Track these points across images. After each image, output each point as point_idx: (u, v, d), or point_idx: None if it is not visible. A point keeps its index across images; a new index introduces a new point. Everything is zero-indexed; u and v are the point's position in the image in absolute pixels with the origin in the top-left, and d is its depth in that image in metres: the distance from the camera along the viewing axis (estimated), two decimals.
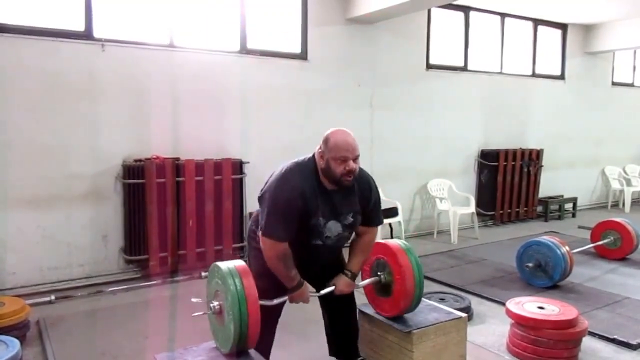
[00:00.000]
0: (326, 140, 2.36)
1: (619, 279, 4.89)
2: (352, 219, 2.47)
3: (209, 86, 5.09)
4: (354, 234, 2.62)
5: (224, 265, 2.18)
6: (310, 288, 2.54)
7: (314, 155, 2.42)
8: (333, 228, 2.43)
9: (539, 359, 3.06)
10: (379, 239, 2.73)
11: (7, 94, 4.22)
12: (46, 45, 4.33)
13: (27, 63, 4.27)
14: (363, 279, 2.77)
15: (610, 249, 5.49)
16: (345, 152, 2.30)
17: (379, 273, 2.70)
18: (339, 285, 2.55)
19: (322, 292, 2.56)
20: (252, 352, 2.22)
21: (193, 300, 2.33)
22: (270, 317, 2.50)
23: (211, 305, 2.23)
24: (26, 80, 4.28)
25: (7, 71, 4.20)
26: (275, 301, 2.39)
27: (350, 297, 2.73)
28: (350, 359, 2.81)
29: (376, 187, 2.59)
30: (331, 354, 2.87)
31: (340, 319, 2.77)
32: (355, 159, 2.34)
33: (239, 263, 2.21)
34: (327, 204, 2.38)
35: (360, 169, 2.47)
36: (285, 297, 2.44)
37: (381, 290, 2.72)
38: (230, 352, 2.16)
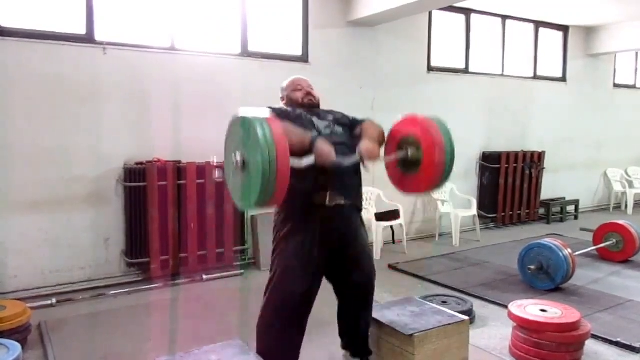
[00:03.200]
0: (282, 87, 2.78)
1: (622, 281, 4.87)
2: (331, 119, 2.64)
3: (211, 89, 5.09)
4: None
5: (251, 114, 2.05)
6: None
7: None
8: (319, 122, 2.57)
9: None
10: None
11: (8, 97, 4.23)
12: (48, 48, 4.34)
13: (29, 66, 4.28)
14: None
15: (613, 252, 5.47)
16: (299, 82, 2.73)
17: (407, 147, 2.52)
18: (362, 147, 2.42)
19: (348, 161, 2.37)
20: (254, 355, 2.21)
21: (215, 175, 2.21)
22: (300, 310, 2.47)
23: (234, 158, 2.07)
24: (28, 84, 4.29)
25: (8, 74, 4.21)
26: (305, 161, 2.21)
27: (368, 288, 2.68)
28: (359, 354, 2.78)
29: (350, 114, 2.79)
30: (343, 346, 2.84)
31: (351, 310, 2.72)
32: (310, 88, 2.70)
33: (267, 113, 2.11)
34: (310, 125, 2.54)
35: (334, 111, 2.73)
36: (312, 157, 2.26)
37: (408, 166, 2.53)
38: (256, 205, 2.00)
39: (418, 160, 2.47)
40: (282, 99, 2.77)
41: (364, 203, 5.69)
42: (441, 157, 2.40)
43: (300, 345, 2.54)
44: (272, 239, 2.62)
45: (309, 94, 2.70)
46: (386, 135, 2.68)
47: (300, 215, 2.47)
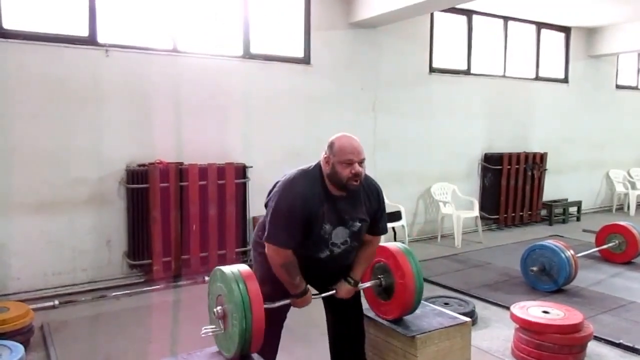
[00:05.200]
0: (331, 145, 2.35)
1: (624, 283, 4.86)
2: (359, 224, 2.45)
3: (213, 91, 5.10)
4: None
5: (228, 269, 2.17)
6: (313, 290, 2.55)
7: (319, 163, 2.42)
8: (340, 234, 2.41)
9: None
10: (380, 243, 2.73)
11: (11, 99, 4.24)
12: (50, 50, 4.35)
13: (32, 68, 4.30)
14: (363, 283, 2.77)
15: (615, 253, 5.46)
16: (351, 155, 2.29)
17: (379, 276, 2.73)
18: (340, 291, 2.54)
19: (324, 294, 2.56)
20: (255, 356, 2.21)
21: (204, 331, 2.30)
22: (276, 321, 2.49)
23: (214, 310, 2.22)
24: (30, 86, 4.30)
25: (11, 76, 4.23)
26: (278, 303, 2.38)
27: (356, 301, 2.72)
28: None
29: (383, 196, 2.58)
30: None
31: (344, 322, 2.75)
32: (361, 163, 2.33)
33: (243, 267, 2.20)
34: (333, 211, 2.37)
35: (368, 177, 2.47)
36: (288, 301, 2.43)
37: (382, 294, 2.76)
38: (234, 356, 2.15)
39: (391, 288, 2.68)
40: (327, 160, 2.35)
41: None
42: (411, 284, 2.60)
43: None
44: (256, 253, 2.60)
45: (357, 175, 2.30)
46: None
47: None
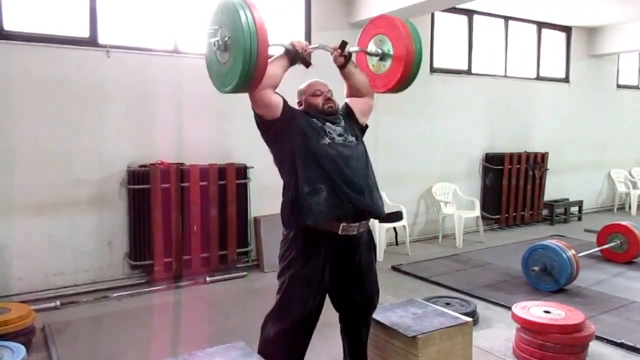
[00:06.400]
0: (299, 91, 2.65)
1: (626, 282, 4.86)
2: (346, 124, 2.59)
3: (214, 91, 5.02)
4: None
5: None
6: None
7: None
8: (332, 128, 2.49)
9: None
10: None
11: (12, 100, 4.25)
12: (51, 51, 4.36)
13: (33, 70, 4.30)
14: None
15: (617, 253, 5.46)
16: (318, 86, 2.60)
17: (378, 49, 2.72)
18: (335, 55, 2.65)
19: (317, 46, 2.62)
20: (255, 357, 2.21)
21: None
22: (308, 332, 2.45)
23: (214, 40, 2.15)
24: (32, 87, 4.31)
25: (13, 78, 4.24)
26: (287, 44, 2.46)
27: (369, 307, 2.65)
28: None
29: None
30: None
31: (351, 325, 2.69)
32: (330, 94, 2.60)
33: None
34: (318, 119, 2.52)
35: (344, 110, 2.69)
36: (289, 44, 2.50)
37: (379, 65, 2.74)
38: (236, 86, 2.11)
39: (389, 54, 2.65)
40: (300, 103, 2.63)
41: None
42: (410, 47, 2.56)
43: (302, 358, 2.54)
44: (280, 254, 2.51)
45: (329, 99, 2.58)
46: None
47: (312, 241, 2.39)
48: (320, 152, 2.36)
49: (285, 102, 2.43)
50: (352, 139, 2.53)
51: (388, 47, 2.65)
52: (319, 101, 2.55)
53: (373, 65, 2.80)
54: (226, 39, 2.11)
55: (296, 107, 2.59)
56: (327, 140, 2.41)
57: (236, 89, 2.16)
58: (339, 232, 2.36)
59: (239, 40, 2.01)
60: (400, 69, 2.60)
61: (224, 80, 2.20)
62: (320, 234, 2.35)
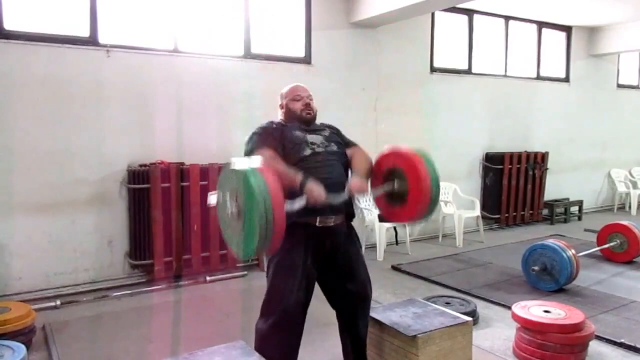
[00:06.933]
0: (281, 94, 2.78)
1: (626, 282, 4.86)
2: (327, 133, 2.66)
3: (214, 91, 5.10)
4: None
5: (243, 164, 2.06)
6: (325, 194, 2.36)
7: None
8: (315, 138, 2.57)
9: None
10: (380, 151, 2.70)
11: (12, 100, 4.25)
12: (51, 51, 4.36)
13: (33, 69, 4.30)
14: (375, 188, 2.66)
15: (617, 252, 5.46)
16: (298, 91, 2.72)
17: (392, 181, 2.58)
18: (352, 185, 2.48)
19: (338, 199, 2.42)
20: (256, 357, 2.21)
21: (210, 197, 2.23)
22: (297, 321, 2.48)
23: (230, 211, 2.10)
24: (32, 86, 4.31)
25: (13, 77, 4.23)
26: (297, 204, 2.25)
27: (362, 296, 2.67)
28: None
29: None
30: None
31: (350, 321, 2.70)
32: (309, 99, 2.69)
33: (258, 162, 2.11)
34: (300, 130, 2.61)
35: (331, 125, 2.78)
36: (304, 200, 2.30)
37: (395, 198, 2.57)
38: (255, 253, 2.08)
39: (405, 192, 2.51)
40: (281, 106, 2.77)
41: (366, 204, 5.71)
42: (427, 187, 2.44)
43: (297, 350, 2.55)
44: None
45: (307, 105, 2.68)
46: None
47: (291, 232, 2.35)
48: (301, 164, 2.46)
49: (264, 129, 2.59)
50: (334, 146, 2.63)
51: (404, 185, 2.52)
52: (297, 106, 2.68)
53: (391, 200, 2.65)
54: (240, 207, 2.06)
55: (278, 111, 2.78)
56: (308, 152, 2.51)
57: (255, 254, 2.15)
58: (317, 224, 2.47)
59: (253, 211, 1.96)
60: (415, 208, 2.51)
61: (242, 246, 2.13)
62: (300, 226, 2.44)
